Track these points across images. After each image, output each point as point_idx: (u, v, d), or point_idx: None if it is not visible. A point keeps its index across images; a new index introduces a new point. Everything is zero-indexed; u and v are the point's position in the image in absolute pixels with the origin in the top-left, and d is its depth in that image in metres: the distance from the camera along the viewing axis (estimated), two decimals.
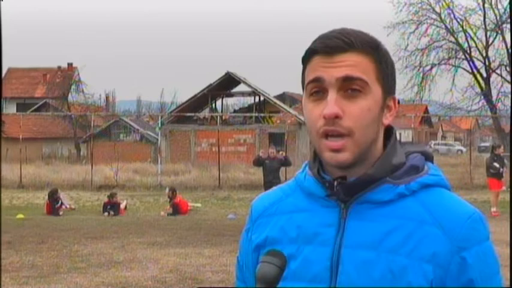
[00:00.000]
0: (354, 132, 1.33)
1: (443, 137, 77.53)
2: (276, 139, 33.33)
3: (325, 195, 1.40)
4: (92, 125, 38.13)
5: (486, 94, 32.48)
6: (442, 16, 32.69)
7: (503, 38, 32.11)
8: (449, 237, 1.32)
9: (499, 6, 31.86)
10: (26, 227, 14.60)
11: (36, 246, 11.81)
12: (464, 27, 32.71)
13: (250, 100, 43.28)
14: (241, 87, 39.95)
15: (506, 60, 32.24)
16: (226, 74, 36.94)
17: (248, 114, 37.44)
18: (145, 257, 10.70)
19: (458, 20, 32.62)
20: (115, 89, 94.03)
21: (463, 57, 33.30)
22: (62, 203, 18.16)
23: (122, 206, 18.22)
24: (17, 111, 48.96)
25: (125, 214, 17.78)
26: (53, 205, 17.77)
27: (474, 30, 32.76)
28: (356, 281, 1.33)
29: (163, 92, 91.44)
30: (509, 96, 31.67)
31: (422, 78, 33.59)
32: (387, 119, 1.41)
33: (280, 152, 18.81)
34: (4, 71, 54.28)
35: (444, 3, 32.50)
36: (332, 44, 1.34)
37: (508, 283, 6.71)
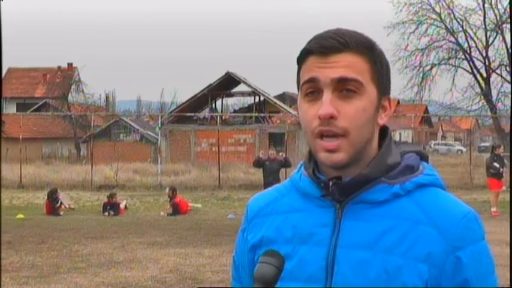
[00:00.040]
0: (349, 133, 1.33)
1: (443, 137, 77.49)
2: (276, 139, 33.34)
3: (321, 195, 1.40)
4: (92, 125, 38.10)
5: (486, 94, 32.44)
6: (442, 16, 32.65)
7: (503, 38, 32.09)
8: (444, 237, 1.32)
9: (499, 6, 31.86)
10: (26, 227, 14.61)
11: (36, 246, 11.81)
12: (464, 27, 32.71)
13: (250, 100, 43.28)
14: (241, 87, 39.96)
15: (506, 60, 32.21)
16: (226, 74, 36.94)
17: (248, 114, 37.42)
18: (145, 257, 10.70)
19: (458, 20, 32.61)
20: (115, 89, 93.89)
21: (463, 57, 33.26)
22: (61, 203, 18.18)
23: (122, 205, 18.24)
24: (17, 111, 48.92)
25: (125, 214, 17.80)
26: (53, 205, 17.79)
27: (474, 30, 32.79)
28: (351, 281, 1.33)
29: (163, 92, 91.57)
30: (509, 96, 31.63)
31: (422, 78, 33.55)
32: (382, 119, 1.41)
33: (280, 153, 18.83)
34: (4, 71, 54.24)
35: (444, 3, 32.52)
36: (327, 44, 1.34)
37: (508, 283, 6.67)
